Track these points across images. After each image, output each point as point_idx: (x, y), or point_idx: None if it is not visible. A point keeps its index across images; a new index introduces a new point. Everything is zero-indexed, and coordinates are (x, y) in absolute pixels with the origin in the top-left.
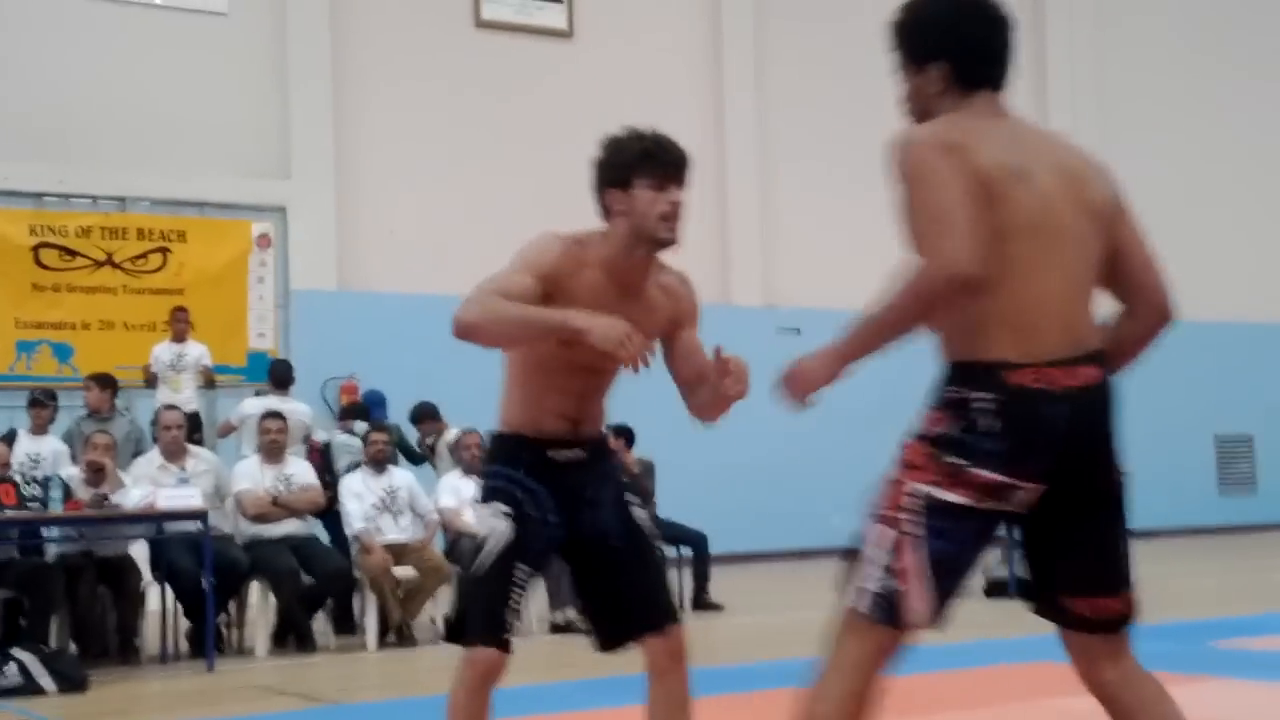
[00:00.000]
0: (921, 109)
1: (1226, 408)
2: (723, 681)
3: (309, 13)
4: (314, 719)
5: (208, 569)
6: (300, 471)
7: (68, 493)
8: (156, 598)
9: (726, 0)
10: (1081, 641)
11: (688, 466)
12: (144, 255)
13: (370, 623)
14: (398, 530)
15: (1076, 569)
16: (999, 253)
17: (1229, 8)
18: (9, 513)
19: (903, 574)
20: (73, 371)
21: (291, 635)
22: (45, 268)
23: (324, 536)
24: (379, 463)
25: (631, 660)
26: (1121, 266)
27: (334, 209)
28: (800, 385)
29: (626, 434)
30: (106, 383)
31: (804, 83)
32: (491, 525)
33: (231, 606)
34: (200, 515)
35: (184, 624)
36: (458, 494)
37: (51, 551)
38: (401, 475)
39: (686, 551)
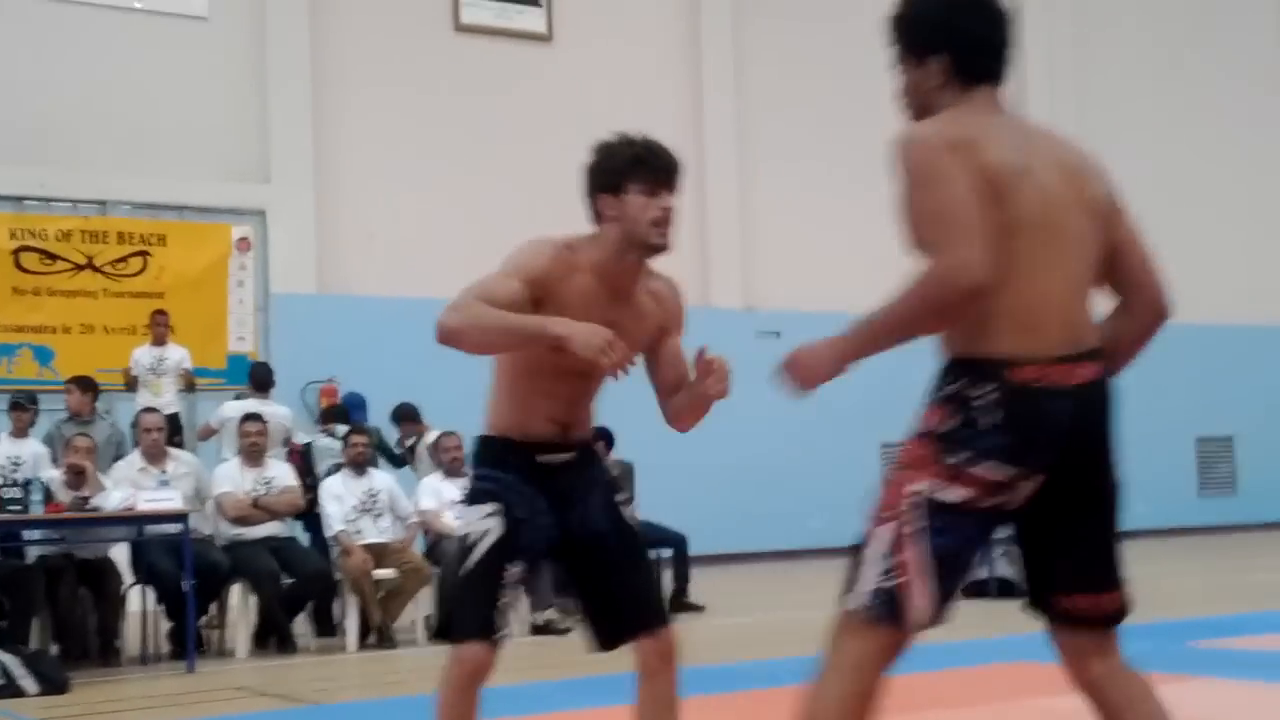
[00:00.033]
0: (920, 104)
1: (1207, 409)
2: (703, 682)
3: (288, 17)
4: None
5: (188, 571)
6: (280, 474)
7: (48, 495)
8: (137, 599)
9: (705, 3)
10: (1072, 638)
11: (667, 468)
12: (124, 259)
13: (350, 624)
14: (378, 532)
15: (1073, 566)
16: (1003, 249)
17: (1208, 9)
18: None
19: (904, 572)
20: (53, 375)
21: (272, 637)
22: (25, 271)
23: (304, 539)
24: (359, 465)
25: (610, 661)
26: (1119, 264)
27: (313, 212)
28: (802, 376)
29: (606, 436)
30: (87, 386)
31: (783, 84)
32: (481, 525)
33: (212, 608)
34: (181, 518)
35: (165, 625)
36: (438, 496)
37: (32, 554)
38: (381, 477)
39: (666, 552)
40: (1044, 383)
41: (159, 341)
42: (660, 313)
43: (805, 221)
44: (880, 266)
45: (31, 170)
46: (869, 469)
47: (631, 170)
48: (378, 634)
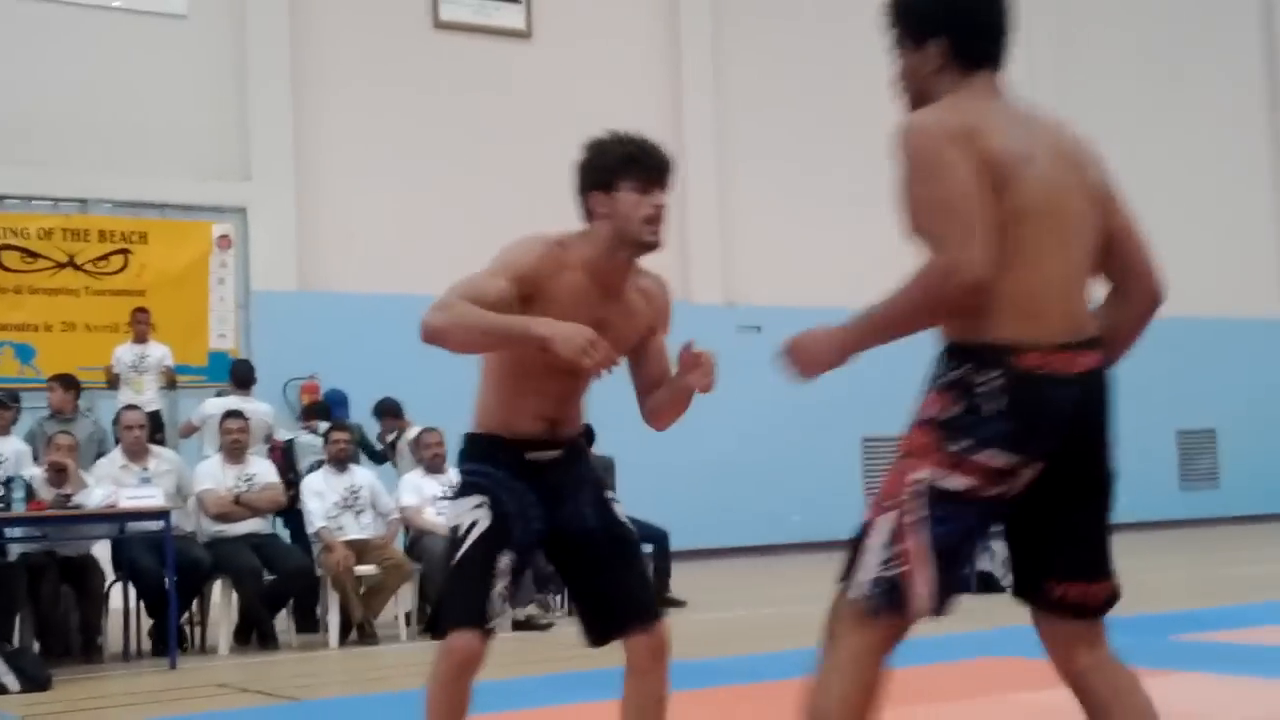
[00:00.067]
0: (918, 88)
1: (1188, 402)
2: (684, 677)
3: (268, 14)
4: (276, 716)
5: (170, 568)
6: (262, 471)
7: (30, 493)
8: (119, 596)
9: (684, 1)
10: (1061, 628)
11: (648, 463)
12: (105, 257)
13: (332, 620)
14: (359, 528)
15: (1066, 554)
16: (1007, 237)
17: (1188, 7)
18: None
19: (905, 561)
20: (35, 373)
21: (253, 633)
22: (7, 269)
23: (285, 535)
24: (340, 462)
25: (591, 656)
26: (1115, 250)
27: (294, 210)
28: (803, 364)
29: (587, 432)
30: (70, 384)
31: (763, 82)
32: (469, 516)
33: (194, 605)
34: (162, 515)
35: (146, 622)
36: (419, 492)
37: (14, 551)
38: (363, 474)
39: (647, 548)
40: (1047, 370)
41: (140, 339)
42: (649, 311)
43: (785, 218)
44: (859, 262)
45: (12, 169)
46: (849, 465)
47: (624, 168)
48: (359, 630)
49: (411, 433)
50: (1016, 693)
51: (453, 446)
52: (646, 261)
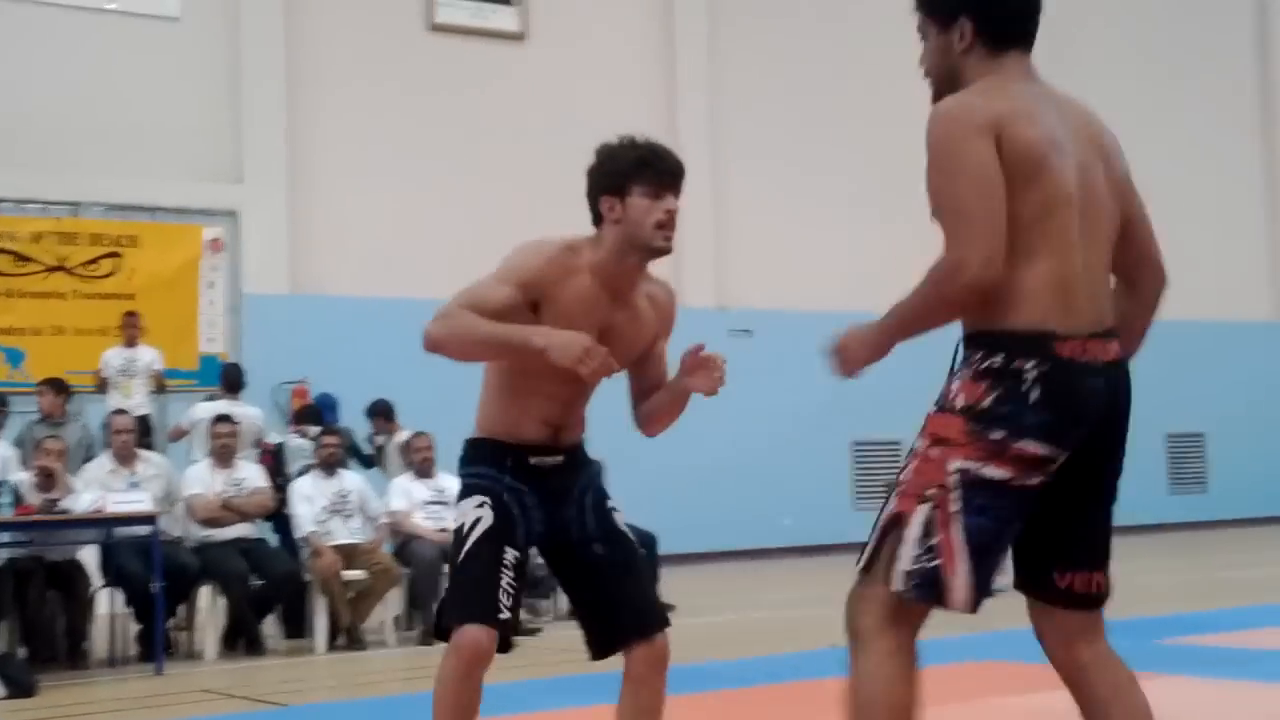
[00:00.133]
0: (946, 69)
1: (1178, 406)
2: (675, 681)
3: (262, 17)
4: None
5: (157, 573)
6: (251, 475)
7: (17, 498)
8: (106, 602)
9: (679, 2)
10: (1062, 621)
11: (638, 467)
12: (95, 260)
13: (320, 625)
14: (348, 533)
15: (1074, 543)
16: (1042, 225)
17: (1181, 9)
18: None
19: (944, 553)
20: (24, 376)
21: (241, 638)
22: None
23: (274, 540)
24: (329, 466)
25: (579, 661)
26: (1129, 238)
27: (286, 213)
28: (843, 361)
29: None
30: (60, 388)
31: (757, 83)
32: (473, 514)
33: (181, 610)
34: (150, 519)
35: (133, 628)
36: (408, 497)
37: (1, 556)
38: (352, 478)
39: None
40: (1082, 359)
41: (130, 343)
42: (656, 318)
43: (778, 221)
44: (853, 265)
45: (2, 172)
46: (839, 469)
47: (636, 172)
48: (347, 635)
49: (400, 437)
50: (1006, 697)
51: (443, 451)
52: None
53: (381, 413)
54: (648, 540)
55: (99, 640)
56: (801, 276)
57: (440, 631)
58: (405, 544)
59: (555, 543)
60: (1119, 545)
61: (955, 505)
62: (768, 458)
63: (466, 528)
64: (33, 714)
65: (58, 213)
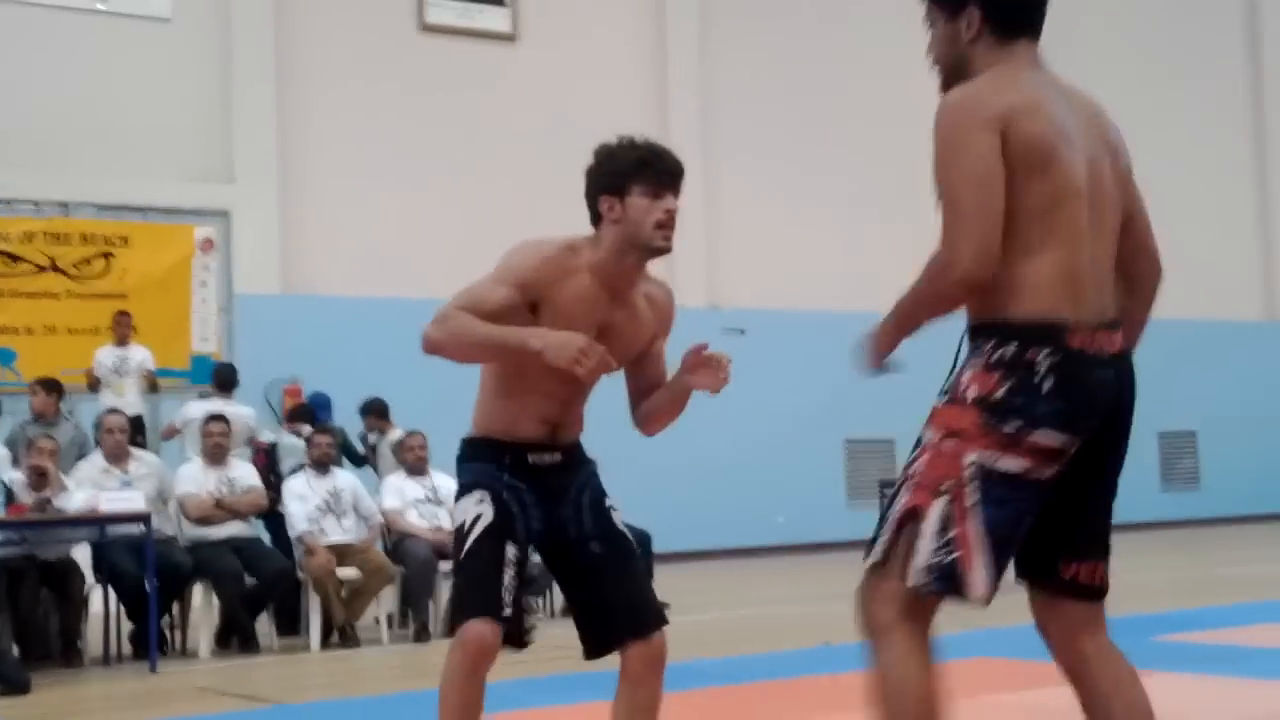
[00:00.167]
0: (953, 57)
1: (1170, 404)
2: (667, 679)
3: (252, 17)
4: (257, 719)
5: (150, 571)
6: (243, 474)
7: (10, 497)
8: (99, 600)
9: (670, 2)
10: (1066, 612)
11: (631, 465)
12: (87, 260)
13: (313, 624)
14: (341, 531)
15: (1079, 533)
16: (1051, 217)
17: (1174, 10)
18: None
19: (963, 546)
20: (16, 376)
21: (234, 636)
22: None
23: (267, 538)
24: (322, 464)
25: (573, 659)
26: (1128, 230)
27: (278, 213)
28: (865, 355)
29: None
30: (53, 387)
31: (748, 83)
32: (474, 510)
33: (174, 608)
34: (143, 518)
35: (127, 626)
36: (401, 495)
37: None
38: (345, 477)
39: None
40: (1092, 350)
41: (122, 342)
42: (655, 318)
43: (770, 220)
44: (845, 264)
45: None
46: (832, 467)
47: (636, 172)
48: (340, 633)
49: (393, 435)
50: (1002, 694)
51: (436, 450)
52: None
53: (375, 411)
54: (643, 539)
55: (93, 639)
56: (794, 276)
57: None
58: (399, 542)
59: (553, 541)
60: (1112, 543)
61: (972, 498)
62: (761, 456)
63: (468, 525)
64: (27, 712)
65: (49, 212)
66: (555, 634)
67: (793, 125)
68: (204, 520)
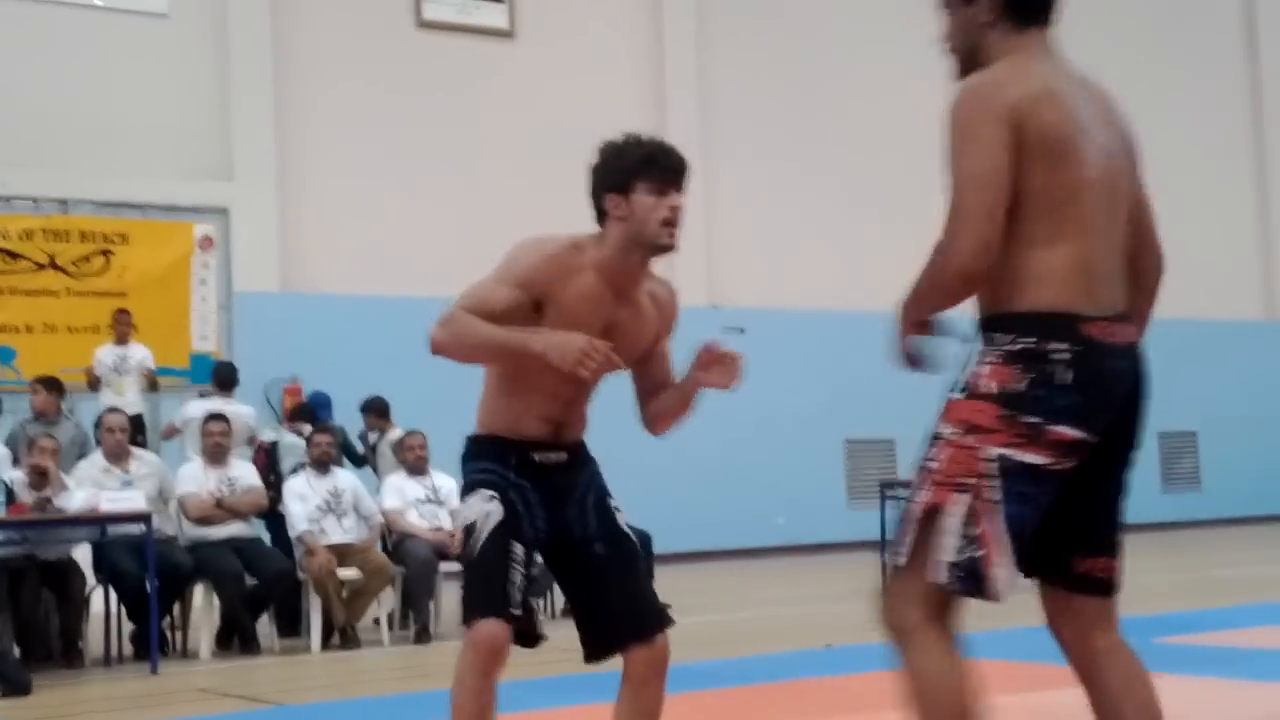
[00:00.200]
0: (968, 44)
1: (1170, 404)
2: (667, 681)
3: (250, 14)
4: None
5: (151, 572)
6: (244, 474)
7: (10, 496)
8: (100, 601)
9: None
10: (1078, 608)
11: (631, 466)
12: (86, 258)
13: (314, 624)
14: (342, 532)
15: (1093, 528)
16: (1067, 208)
17: (1172, 7)
18: None
19: (985, 544)
20: (15, 375)
21: (235, 637)
22: None
23: (267, 538)
24: (322, 464)
25: (574, 661)
26: (1134, 223)
27: (277, 210)
28: (894, 352)
29: None
30: (54, 386)
31: (746, 80)
32: (483, 508)
33: (175, 609)
34: (144, 518)
35: (127, 627)
36: (402, 495)
37: None
38: (345, 477)
39: None
40: (1108, 341)
41: (121, 341)
42: (659, 317)
43: (769, 218)
44: (844, 263)
45: None
46: (833, 467)
47: (641, 169)
48: (341, 634)
49: (393, 435)
50: (1003, 696)
51: (435, 449)
52: None
53: (376, 410)
54: (643, 539)
55: (93, 639)
56: (794, 274)
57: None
58: (399, 542)
59: (557, 542)
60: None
61: (994, 494)
62: (761, 457)
63: (478, 523)
64: (28, 713)
65: (48, 210)
66: (556, 635)
67: (792, 123)
68: (204, 520)
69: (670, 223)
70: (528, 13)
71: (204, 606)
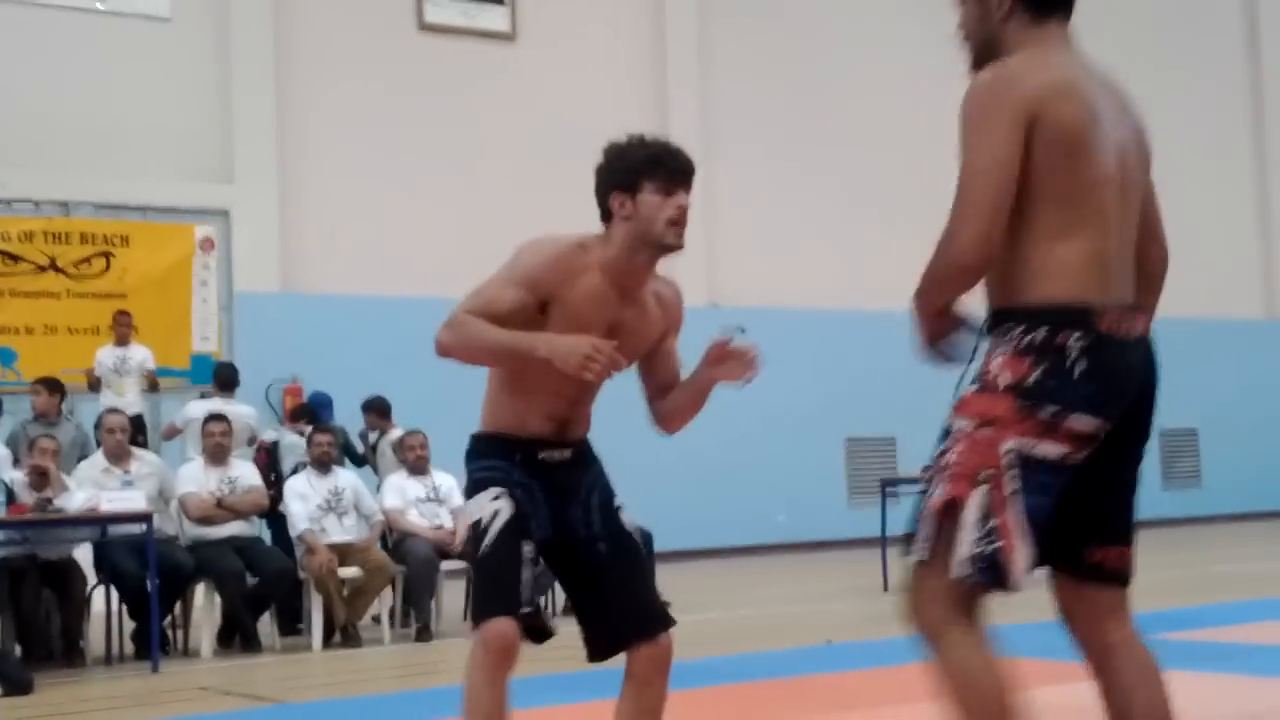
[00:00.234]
0: (984, 36)
1: (1170, 402)
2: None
3: (251, 17)
4: (259, 719)
5: (152, 571)
6: (244, 474)
7: (11, 496)
8: (101, 600)
9: (670, 1)
10: (1092, 598)
11: (631, 464)
12: (87, 259)
13: (315, 623)
14: (342, 531)
15: (1107, 518)
16: (1082, 202)
17: (1170, 6)
18: None
19: (1004, 536)
20: (16, 376)
21: (236, 636)
22: None
23: (268, 537)
24: (323, 464)
25: (576, 658)
26: (1144, 216)
27: (277, 212)
28: (917, 346)
29: None
30: (55, 387)
31: (748, 81)
32: (490, 507)
33: (176, 608)
34: (144, 518)
35: (129, 626)
36: (402, 495)
37: None
38: (346, 476)
39: None
40: (1120, 332)
41: (122, 342)
42: (664, 316)
43: (770, 218)
44: (845, 262)
45: None
46: (833, 465)
47: (648, 169)
48: (342, 633)
49: (394, 434)
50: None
51: (436, 449)
52: None
53: (376, 409)
54: (644, 537)
55: (94, 638)
56: (794, 274)
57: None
58: (400, 541)
59: (560, 541)
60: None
61: (1012, 486)
62: (761, 455)
63: (485, 521)
64: (29, 712)
65: (49, 212)
66: (557, 633)
67: (792, 123)
68: (205, 520)
69: (677, 222)
70: (529, 16)
71: (205, 605)
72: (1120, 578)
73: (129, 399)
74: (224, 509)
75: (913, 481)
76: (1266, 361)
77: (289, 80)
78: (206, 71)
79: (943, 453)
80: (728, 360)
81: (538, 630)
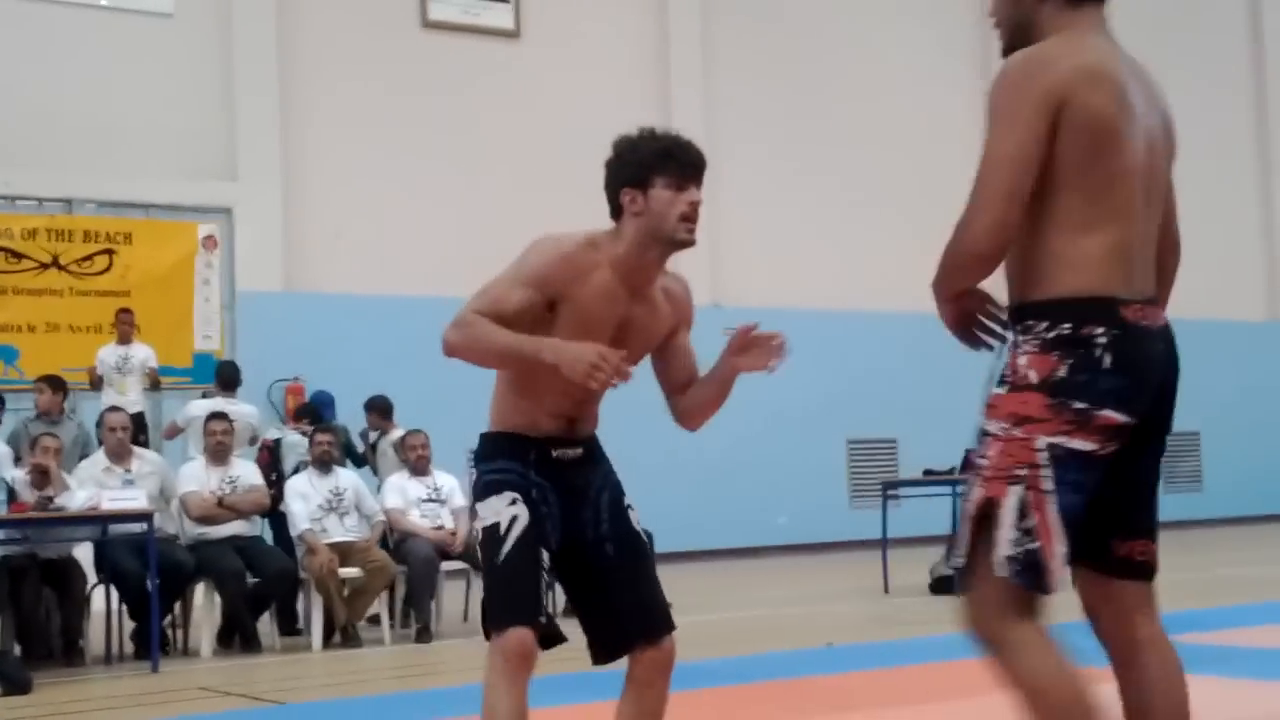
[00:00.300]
0: (1018, 19)
1: None
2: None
3: (255, 14)
4: (259, 719)
5: (152, 570)
6: (246, 473)
7: (12, 495)
8: (101, 599)
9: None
10: (1120, 594)
11: (632, 464)
12: (90, 257)
13: (315, 623)
14: (343, 530)
15: (1132, 511)
16: (1109, 193)
17: (1175, 5)
18: None
19: (1041, 535)
20: (18, 374)
21: (236, 636)
22: None
23: (269, 537)
24: (324, 463)
25: (579, 659)
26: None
27: (280, 210)
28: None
29: None
30: (58, 386)
31: (751, 80)
32: (508, 511)
33: (176, 608)
34: (145, 517)
35: (129, 625)
36: (403, 495)
37: None
38: (347, 476)
39: None
40: (1144, 323)
41: (124, 340)
42: (674, 313)
43: (773, 218)
44: (849, 262)
45: None
46: (835, 467)
47: (660, 164)
48: (342, 633)
49: (395, 434)
50: (1000, 693)
51: (437, 449)
52: None
53: (378, 409)
54: (646, 538)
55: (94, 638)
56: (797, 274)
57: (487, 635)
58: (401, 541)
59: (569, 543)
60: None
61: (1048, 483)
62: (763, 456)
63: (504, 527)
64: (29, 712)
65: (52, 209)
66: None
67: (795, 123)
68: (206, 519)
69: (688, 218)
70: (533, 13)
71: (205, 605)
72: (1146, 571)
73: (131, 397)
74: (225, 508)
75: (914, 484)
76: (1268, 363)
77: (292, 77)
78: (209, 68)
79: (979, 455)
80: (751, 348)
81: (549, 637)
